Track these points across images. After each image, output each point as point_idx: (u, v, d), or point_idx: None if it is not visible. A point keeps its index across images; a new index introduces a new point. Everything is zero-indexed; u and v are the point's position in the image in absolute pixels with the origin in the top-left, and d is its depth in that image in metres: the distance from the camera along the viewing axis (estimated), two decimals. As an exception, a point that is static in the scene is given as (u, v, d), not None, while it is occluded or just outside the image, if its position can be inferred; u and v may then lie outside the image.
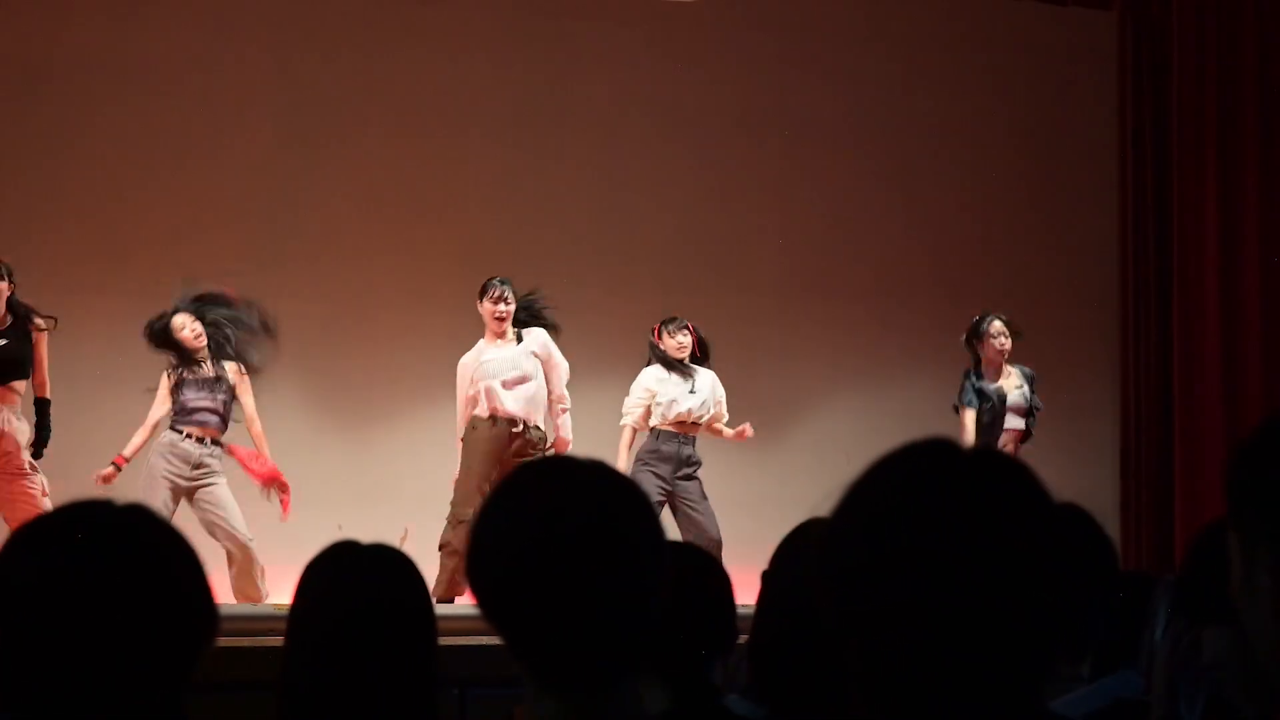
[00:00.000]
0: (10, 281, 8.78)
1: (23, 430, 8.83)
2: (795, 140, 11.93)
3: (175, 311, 9.16)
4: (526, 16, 11.46)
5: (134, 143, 10.75)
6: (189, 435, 9.05)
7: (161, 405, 9.14)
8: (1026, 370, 9.98)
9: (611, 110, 11.68)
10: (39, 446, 8.88)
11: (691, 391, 9.75)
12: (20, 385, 8.82)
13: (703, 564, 2.99)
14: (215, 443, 9.12)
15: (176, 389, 9.09)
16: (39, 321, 8.82)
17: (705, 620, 2.88)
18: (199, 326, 9.14)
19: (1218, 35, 11.59)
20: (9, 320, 8.78)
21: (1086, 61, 12.39)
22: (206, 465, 9.06)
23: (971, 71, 12.26)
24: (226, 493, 9.10)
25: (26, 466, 8.79)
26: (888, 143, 12.08)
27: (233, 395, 9.16)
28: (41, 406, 8.94)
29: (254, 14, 11.07)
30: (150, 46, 10.82)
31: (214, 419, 9.10)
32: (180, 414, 9.07)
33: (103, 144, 10.69)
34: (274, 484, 9.25)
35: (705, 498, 9.71)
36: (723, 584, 2.97)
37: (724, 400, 9.91)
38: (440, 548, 9.30)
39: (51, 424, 8.93)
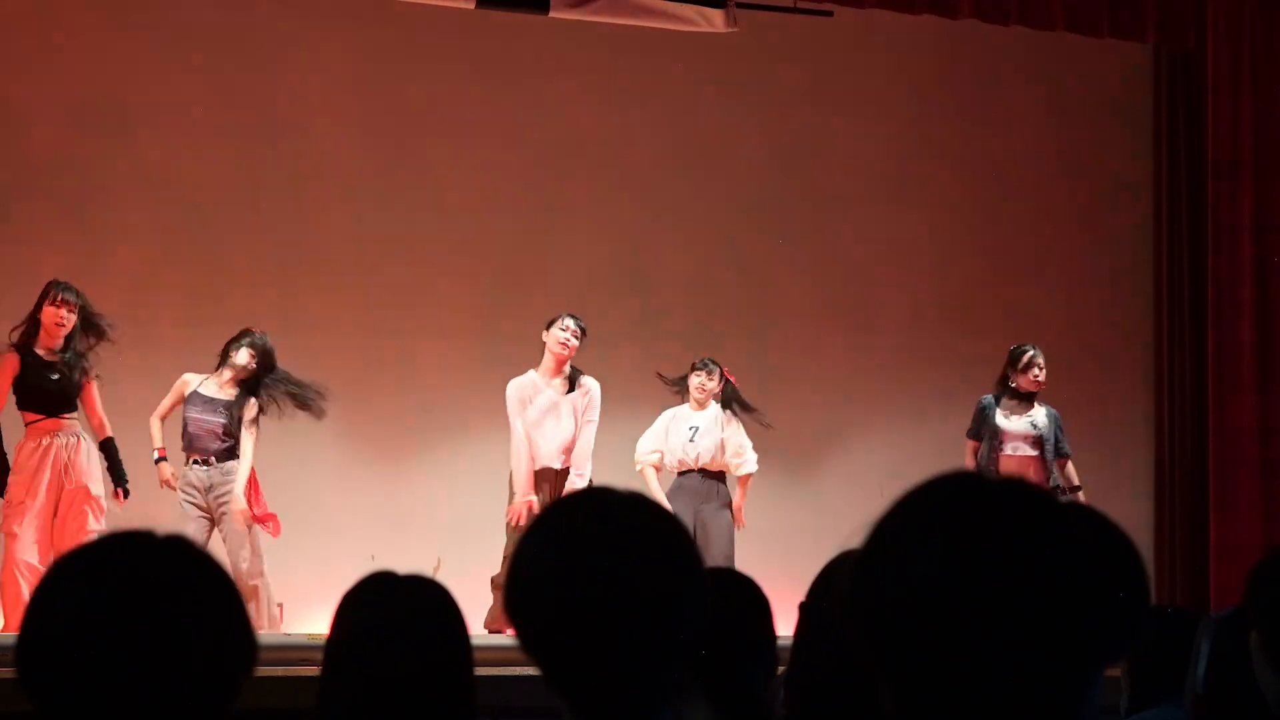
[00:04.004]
0: (76, 310, 8.81)
1: (91, 453, 8.86)
2: (827, 172, 11.93)
3: (252, 342, 9.21)
4: (558, 54, 11.47)
5: (174, 179, 10.80)
6: (195, 461, 9.07)
7: (171, 396, 9.21)
8: (1052, 412, 10.01)
9: (643, 142, 11.69)
10: (119, 483, 8.92)
11: (691, 440, 9.74)
12: (71, 416, 8.85)
13: (743, 588, 2.97)
14: (225, 459, 9.10)
15: (188, 401, 9.11)
16: (89, 368, 8.89)
17: (747, 644, 2.87)
18: (254, 366, 9.14)
19: (1253, 66, 11.54)
20: (62, 357, 8.79)
21: (1121, 93, 12.37)
22: (216, 485, 9.07)
23: (1005, 103, 12.25)
24: (229, 523, 9.07)
25: (95, 501, 8.83)
26: (921, 174, 12.06)
27: (237, 421, 9.12)
28: (107, 445, 8.98)
29: (294, 53, 11.12)
30: (175, 75, 10.89)
31: (215, 444, 9.09)
32: (185, 438, 9.10)
33: (142, 182, 10.76)
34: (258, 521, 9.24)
35: (728, 528, 9.67)
36: (762, 608, 2.95)
37: (739, 441, 9.82)
38: (493, 581, 9.31)
39: (121, 458, 8.98)
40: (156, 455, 9.15)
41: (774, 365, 11.25)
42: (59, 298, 8.81)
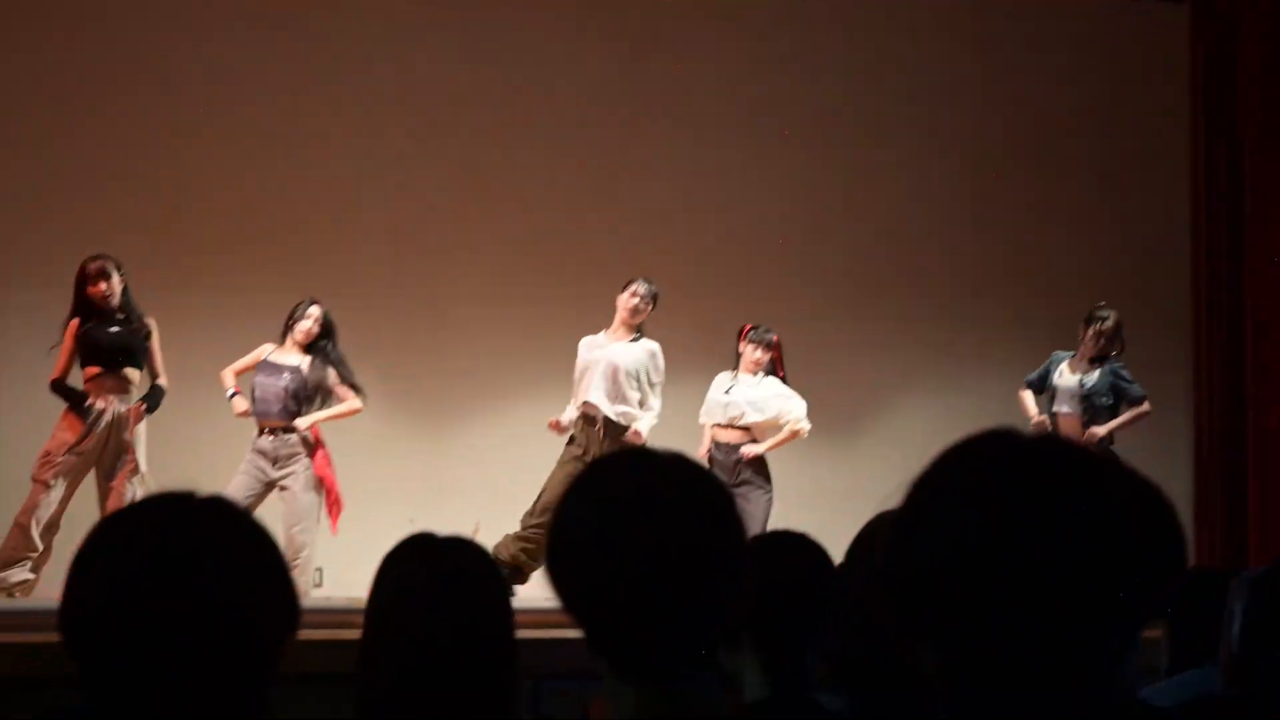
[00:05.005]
0: (121, 274, 8.93)
1: (140, 435, 8.95)
2: (867, 137, 11.89)
3: (316, 304, 9.32)
4: (601, 11, 11.45)
5: (202, 140, 10.81)
6: (261, 430, 9.16)
7: (248, 357, 9.35)
8: (1110, 368, 9.94)
9: (685, 107, 11.66)
10: (146, 403, 8.99)
11: (726, 392, 9.72)
12: (133, 374, 8.96)
13: (809, 553, 2.95)
14: (292, 430, 9.17)
15: (258, 369, 9.22)
16: (148, 321, 8.99)
17: (806, 609, 2.85)
18: (315, 331, 9.22)
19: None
20: (121, 315, 8.90)
21: (1157, 55, 12.29)
22: (283, 458, 9.14)
23: (1041, 66, 12.18)
24: (295, 496, 9.14)
25: (137, 466, 8.90)
26: (959, 138, 12.03)
27: (304, 384, 9.20)
28: (155, 388, 9.06)
29: (322, 8, 11.11)
30: (218, 46, 10.88)
31: (274, 408, 9.16)
32: (254, 403, 9.20)
33: (169, 139, 10.77)
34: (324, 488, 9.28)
35: (764, 508, 9.61)
36: (827, 574, 2.93)
37: (783, 406, 9.75)
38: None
39: (159, 404, 9.06)
40: (231, 392, 9.26)
41: (810, 328, 11.21)
42: (94, 273, 8.88)
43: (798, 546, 2.95)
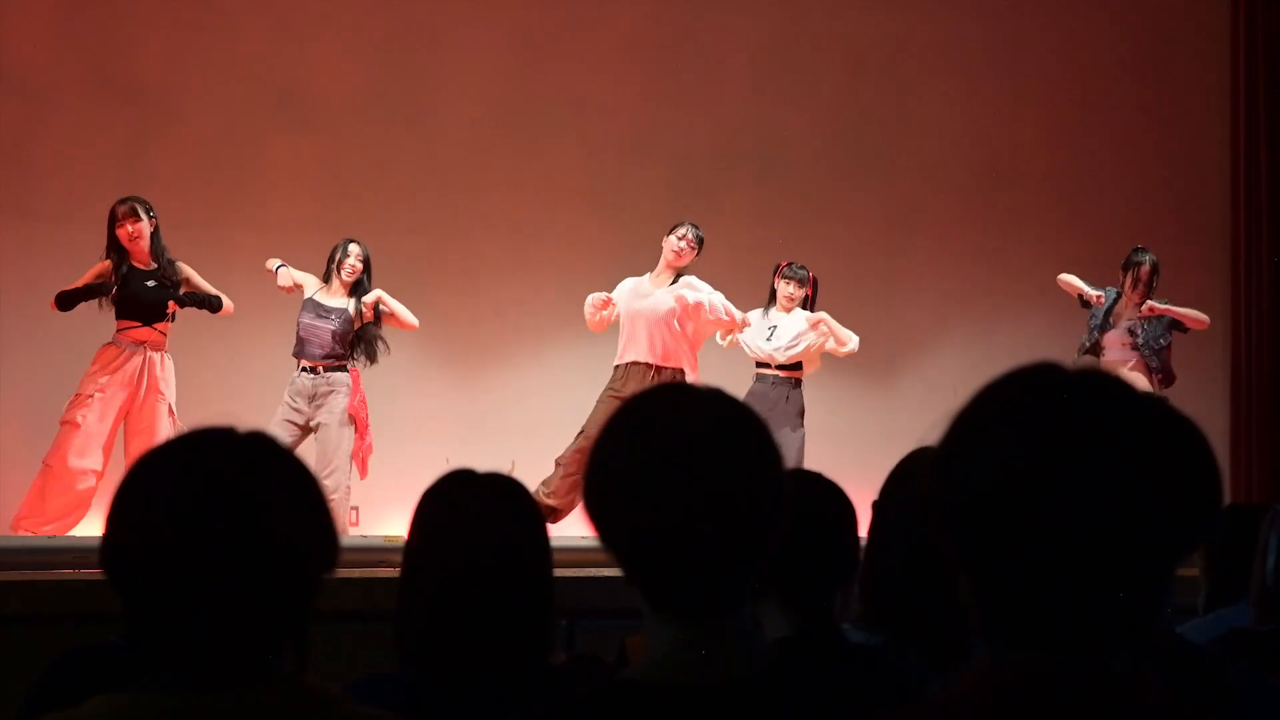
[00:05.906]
0: (152, 218, 8.91)
1: (171, 368, 8.96)
2: (903, 70, 11.83)
3: (356, 243, 9.31)
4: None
5: (235, 81, 10.82)
6: (303, 368, 9.16)
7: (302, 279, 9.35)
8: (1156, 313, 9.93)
9: (723, 44, 11.62)
10: (194, 299, 9.02)
11: (768, 339, 9.72)
12: (164, 327, 8.95)
13: (828, 493, 2.95)
14: (332, 370, 9.17)
15: (302, 308, 9.20)
16: (179, 267, 8.99)
17: (828, 549, 2.85)
18: (360, 268, 9.22)
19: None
20: (154, 265, 8.91)
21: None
22: (321, 394, 9.14)
23: (1081, 3, 12.11)
24: (329, 433, 9.15)
25: (168, 411, 8.92)
26: (997, 72, 11.96)
27: (351, 326, 9.20)
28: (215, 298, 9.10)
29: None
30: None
31: (318, 350, 9.16)
32: (297, 343, 9.20)
33: (205, 80, 10.79)
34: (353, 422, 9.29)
35: (797, 446, 9.60)
36: (847, 513, 2.94)
37: (808, 339, 9.75)
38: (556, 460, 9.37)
39: (205, 307, 9.08)
40: (278, 264, 9.26)
41: (846, 267, 11.20)
42: (122, 215, 8.88)
43: (814, 486, 2.95)
